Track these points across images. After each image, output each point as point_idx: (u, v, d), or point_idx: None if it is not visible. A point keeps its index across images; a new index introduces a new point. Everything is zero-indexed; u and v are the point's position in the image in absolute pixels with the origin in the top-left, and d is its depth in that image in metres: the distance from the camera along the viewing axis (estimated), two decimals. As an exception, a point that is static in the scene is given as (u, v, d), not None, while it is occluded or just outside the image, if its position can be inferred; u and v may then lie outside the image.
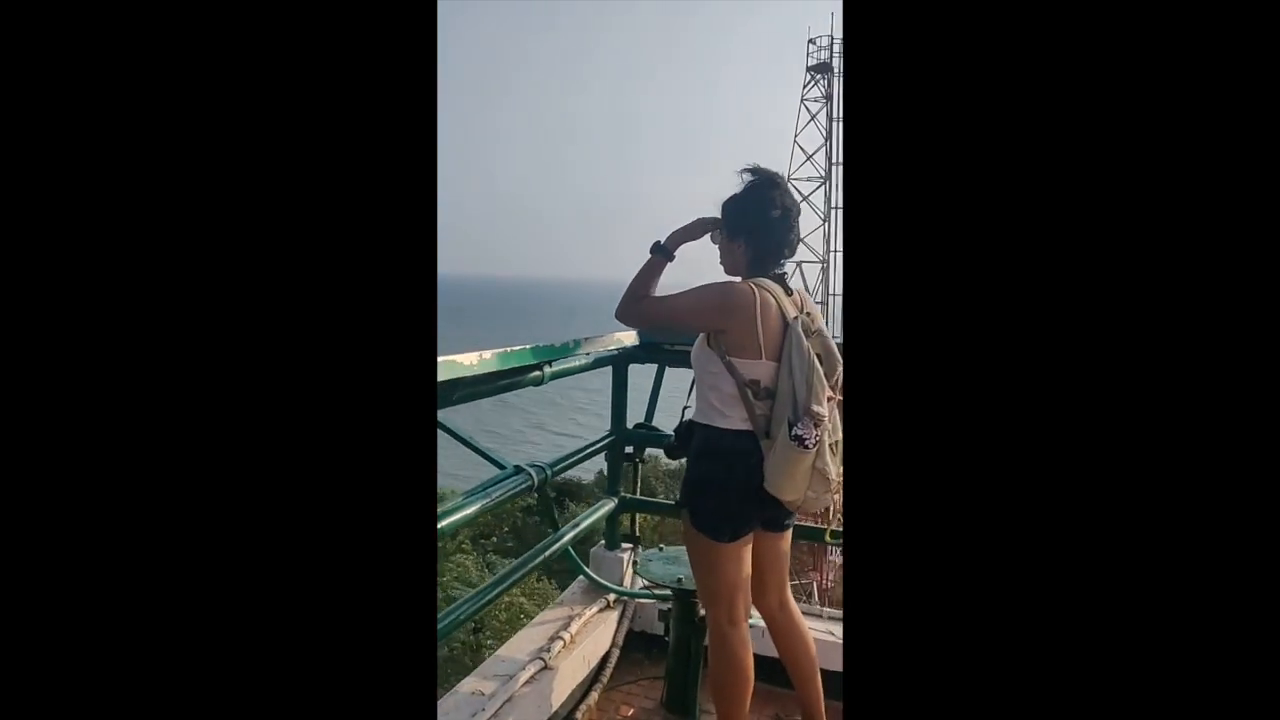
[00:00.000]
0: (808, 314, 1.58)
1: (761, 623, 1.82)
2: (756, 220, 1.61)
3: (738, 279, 1.62)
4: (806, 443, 1.47)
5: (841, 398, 1.59)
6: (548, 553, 2.12)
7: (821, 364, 1.52)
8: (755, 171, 1.64)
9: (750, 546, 1.67)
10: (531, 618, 2.42)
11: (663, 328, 1.79)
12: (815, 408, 1.48)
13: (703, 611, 2.09)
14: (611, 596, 2.46)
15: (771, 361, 1.54)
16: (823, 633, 2.11)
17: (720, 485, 1.59)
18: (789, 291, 1.61)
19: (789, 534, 1.78)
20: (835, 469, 1.51)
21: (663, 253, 1.66)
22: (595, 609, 2.40)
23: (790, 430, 1.48)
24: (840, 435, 1.57)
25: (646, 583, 2.27)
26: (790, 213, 1.62)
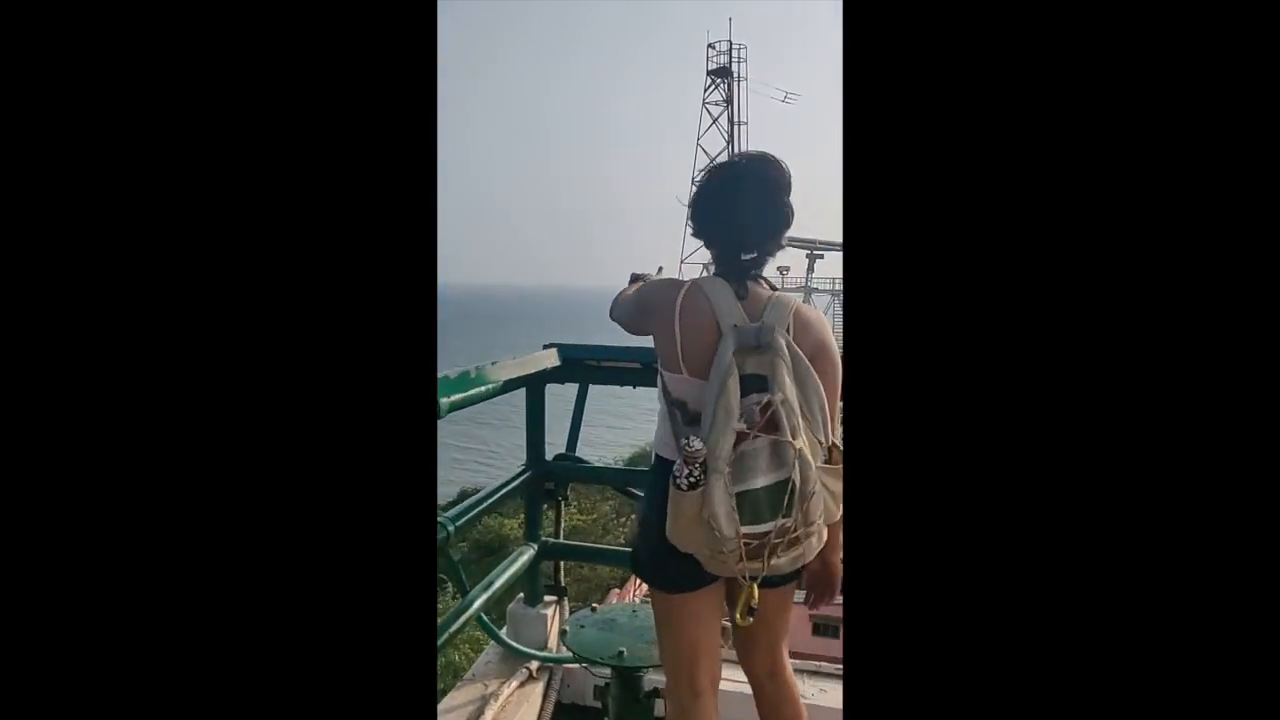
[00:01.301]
0: (766, 325, 1.22)
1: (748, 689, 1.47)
2: (701, 216, 1.31)
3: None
4: (678, 481, 1.17)
5: (832, 442, 1.24)
6: (455, 626, 1.70)
7: (775, 388, 1.18)
8: (712, 164, 1.36)
9: (717, 601, 1.37)
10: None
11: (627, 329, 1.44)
12: (695, 444, 1.16)
13: (650, 686, 1.71)
14: (534, 665, 2.05)
15: (697, 378, 1.24)
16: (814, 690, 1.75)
17: (654, 526, 1.26)
18: (743, 294, 1.26)
19: (788, 589, 1.39)
20: (731, 525, 1.15)
21: None
22: (515, 683, 1.98)
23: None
24: (808, 483, 1.18)
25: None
26: (738, 200, 1.27)
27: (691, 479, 1.16)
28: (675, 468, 1.17)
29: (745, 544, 1.16)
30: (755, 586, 1.22)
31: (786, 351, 1.20)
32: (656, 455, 1.35)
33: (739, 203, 1.27)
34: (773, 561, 1.19)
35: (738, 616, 1.27)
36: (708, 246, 1.33)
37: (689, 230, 1.36)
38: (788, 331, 1.23)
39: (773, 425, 1.17)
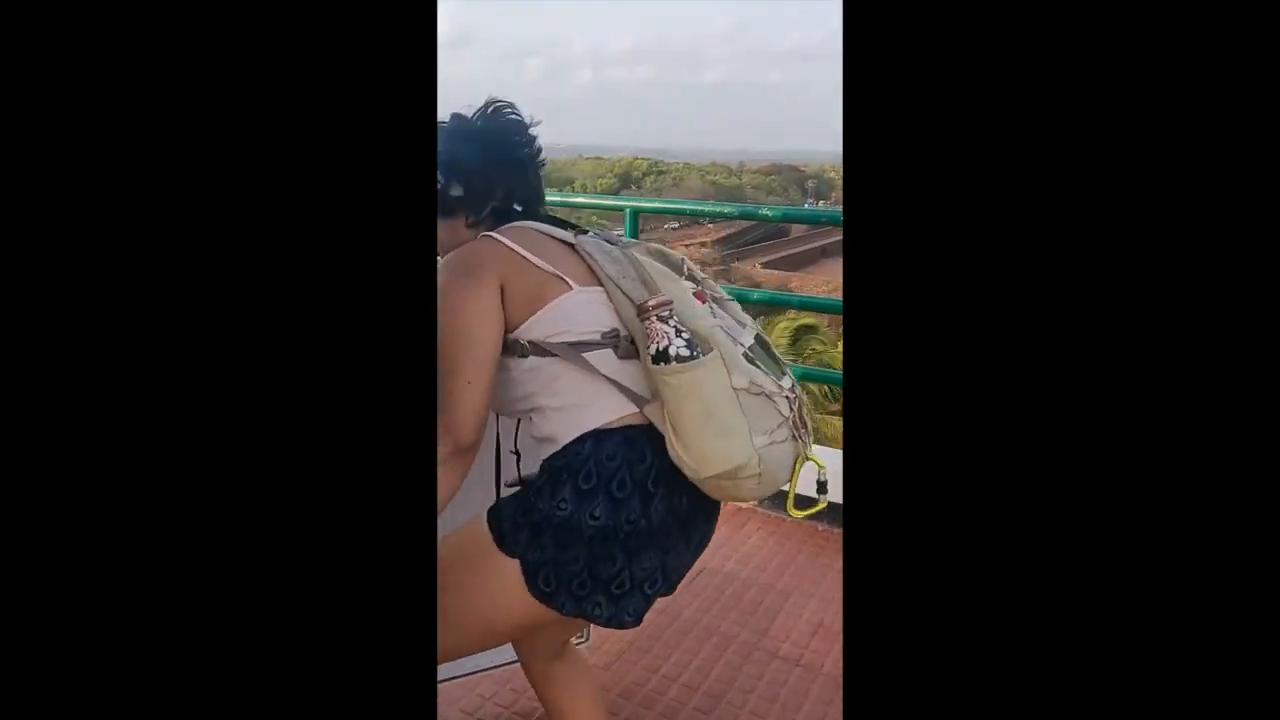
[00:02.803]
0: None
1: None
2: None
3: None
4: (673, 349, 0.98)
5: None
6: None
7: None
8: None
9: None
10: None
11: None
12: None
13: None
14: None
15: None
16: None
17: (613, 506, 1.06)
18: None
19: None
20: (771, 378, 0.99)
21: None
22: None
23: None
24: None
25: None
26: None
27: (687, 338, 0.93)
28: (660, 339, 0.92)
29: (790, 396, 0.98)
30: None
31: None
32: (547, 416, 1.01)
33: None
34: (805, 416, 1.02)
35: (792, 508, 1.02)
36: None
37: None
38: None
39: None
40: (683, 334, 0.93)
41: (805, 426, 1.02)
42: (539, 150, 1.12)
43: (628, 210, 2.73)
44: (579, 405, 0.99)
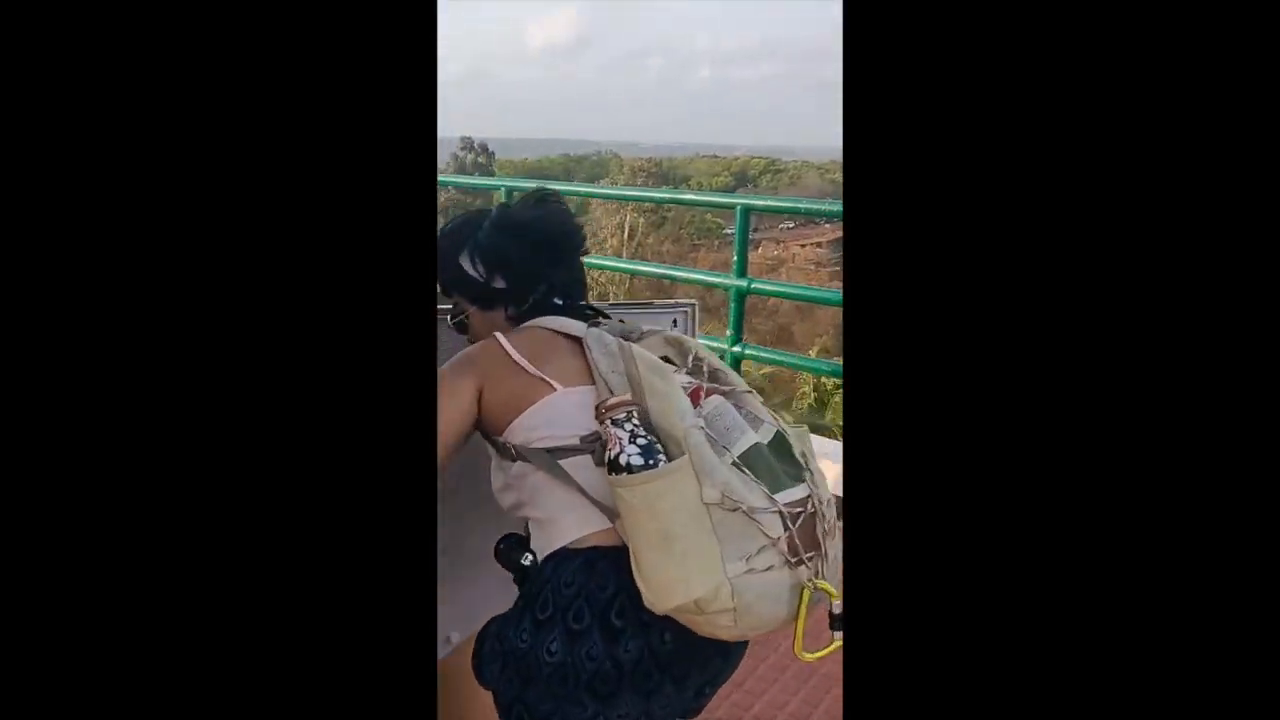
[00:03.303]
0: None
1: None
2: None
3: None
4: (623, 458, 0.87)
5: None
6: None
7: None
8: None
9: None
10: None
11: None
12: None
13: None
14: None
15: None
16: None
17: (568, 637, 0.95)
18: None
19: None
20: (757, 491, 0.85)
21: None
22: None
23: None
24: None
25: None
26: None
27: (643, 443, 0.82)
28: (614, 445, 0.82)
29: (791, 512, 0.82)
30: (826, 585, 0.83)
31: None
32: (530, 530, 0.95)
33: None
34: (829, 544, 0.85)
35: (800, 650, 0.82)
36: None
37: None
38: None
39: (716, 378, 0.95)
40: (639, 439, 0.82)
41: (819, 546, 0.84)
42: (583, 239, 1.09)
43: (738, 208, 2.68)
44: (553, 519, 0.91)
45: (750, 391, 0.96)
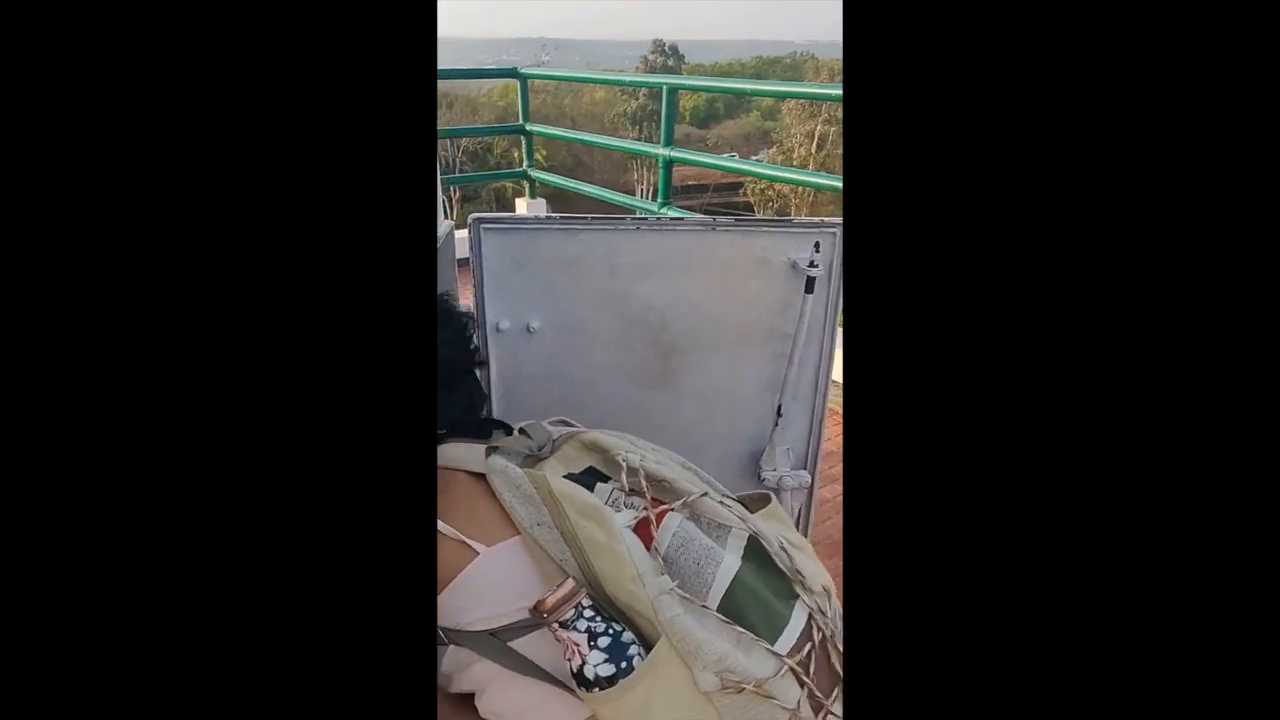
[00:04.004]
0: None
1: None
2: None
3: None
4: (590, 672, 0.68)
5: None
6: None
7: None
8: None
9: None
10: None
11: None
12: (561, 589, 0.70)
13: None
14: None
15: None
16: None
17: None
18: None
19: None
20: (761, 656, 0.68)
21: None
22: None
23: None
24: None
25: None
26: None
27: (607, 642, 0.65)
28: (573, 655, 0.65)
29: (800, 662, 0.69)
30: None
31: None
32: None
33: None
34: (834, 661, 0.72)
35: None
36: None
37: None
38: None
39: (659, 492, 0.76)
40: (599, 638, 0.65)
41: (838, 675, 0.71)
42: (480, 362, 0.90)
43: (664, 87, 3.16)
44: None
45: (705, 493, 0.76)
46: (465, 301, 1.01)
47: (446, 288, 1.19)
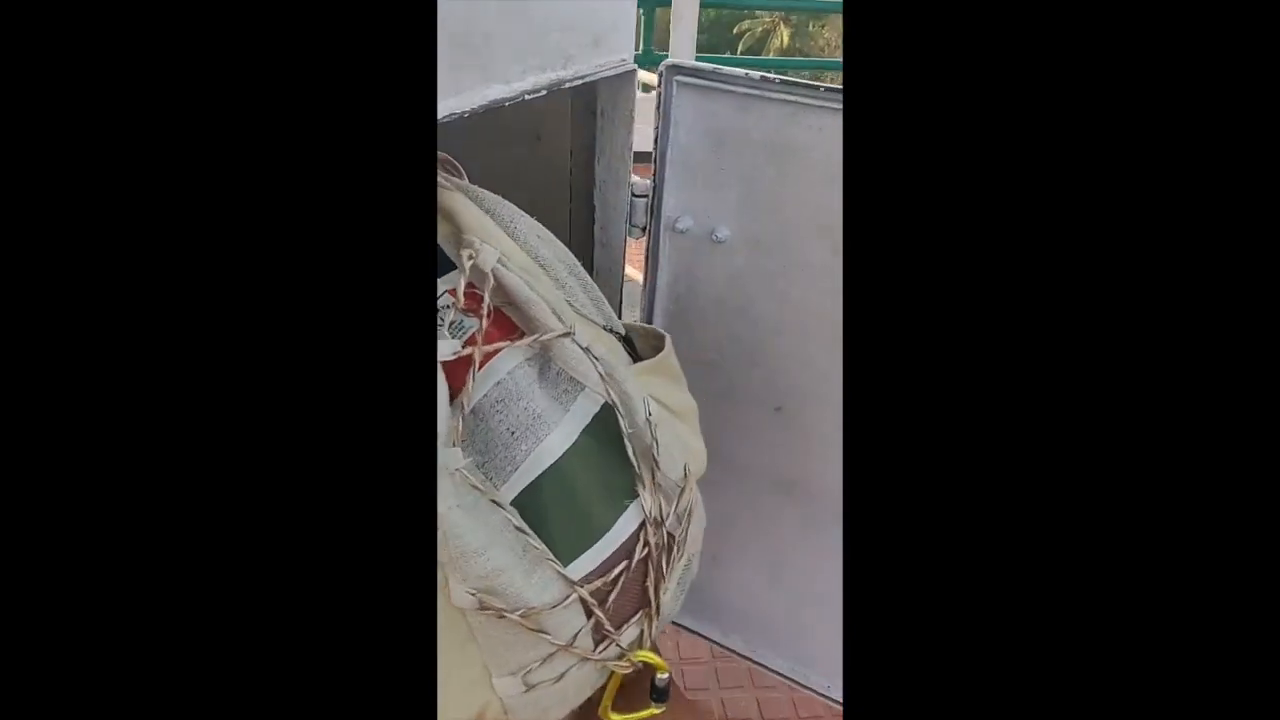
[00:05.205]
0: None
1: None
2: None
3: None
4: None
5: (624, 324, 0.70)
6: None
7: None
8: None
9: None
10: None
11: None
12: None
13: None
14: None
15: None
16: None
17: None
18: None
19: None
20: (541, 579, 0.55)
21: None
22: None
23: None
24: None
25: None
26: None
27: None
28: None
29: (602, 588, 0.55)
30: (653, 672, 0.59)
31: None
32: None
33: None
34: (663, 599, 0.58)
35: (609, 713, 0.60)
36: None
37: None
38: None
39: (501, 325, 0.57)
40: None
41: (650, 599, 0.57)
42: None
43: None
44: None
45: (569, 331, 0.56)
46: (644, 179, 0.82)
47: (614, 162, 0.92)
